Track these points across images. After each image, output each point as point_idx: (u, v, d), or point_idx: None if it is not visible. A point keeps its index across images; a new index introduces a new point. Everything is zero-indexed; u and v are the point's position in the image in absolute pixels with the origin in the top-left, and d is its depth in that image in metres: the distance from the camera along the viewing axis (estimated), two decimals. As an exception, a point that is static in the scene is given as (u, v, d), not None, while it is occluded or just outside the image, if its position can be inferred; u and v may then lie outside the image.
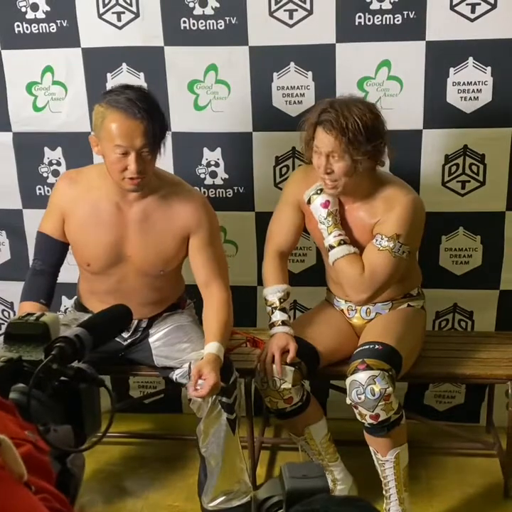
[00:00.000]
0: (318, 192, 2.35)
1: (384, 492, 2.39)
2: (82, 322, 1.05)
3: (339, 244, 2.33)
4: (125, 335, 2.48)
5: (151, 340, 2.51)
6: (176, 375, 2.40)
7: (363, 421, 2.27)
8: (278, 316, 2.42)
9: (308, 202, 2.38)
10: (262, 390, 2.40)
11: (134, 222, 2.34)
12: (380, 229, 2.30)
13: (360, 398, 2.22)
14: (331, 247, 2.34)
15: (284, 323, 2.40)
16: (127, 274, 2.40)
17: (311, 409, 2.43)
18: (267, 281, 2.49)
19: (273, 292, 2.45)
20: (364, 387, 2.21)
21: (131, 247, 2.36)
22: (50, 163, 2.85)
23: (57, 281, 2.46)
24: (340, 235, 2.33)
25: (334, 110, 2.19)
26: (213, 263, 2.39)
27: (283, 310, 2.43)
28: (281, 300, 2.43)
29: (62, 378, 0.93)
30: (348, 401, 2.26)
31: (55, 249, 2.41)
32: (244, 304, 2.89)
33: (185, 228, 2.35)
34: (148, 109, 2.15)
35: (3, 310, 3.12)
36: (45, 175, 2.86)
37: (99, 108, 2.20)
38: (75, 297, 2.64)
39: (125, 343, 2.50)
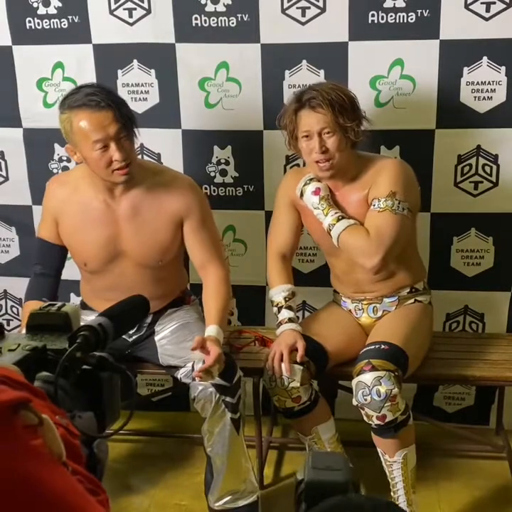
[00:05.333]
0: (308, 182, 2.38)
1: (392, 493, 2.37)
2: (103, 311, 1.07)
3: (338, 220, 2.32)
4: (130, 331, 2.46)
5: (157, 338, 2.49)
6: (180, 375, 2.39)
7: (370, 422, 2.25)
8: (285, 314, 2.41)
9: (301, 195, 2.39)
10: (270, 389, 2.38)
11: (124, 217, 2.34)
12: (374, 194, 2.32)
13: (366, 399, 2.21)
14: (331, 225, 2.33)
15: (291, 320, 2.40)
16: (126, 269, 2.39)
17: (319, 409, 2.42)
18: (272, 282, 2.50)
19: (278, 292, 2.45)
20: (370, 388, 2.20)
21: (125, 242, 2.36)
22: (60, 160, 2.85)
23: (66, 279, 2.45)
24: (336, 212, 2.34)
25: (314, 90, 2.26)
26: (208, 243, 2.40)
27: (289, 308, 2.42)
28: (287, 299, 2.43)
29: (85, 367, 0.94)
30: (355, 402, 2.25)
31: (52, 254, 2.43)
32: (253, 304, 2.88)
33: (176, 215, 2.35)
34: (109, 97, 2.17)
35: (12, 306, 3.11)
36: (55, 171, 2.85)
37: (62, 116, 2.19)
38: (81, 297, 2.64)
39: (130, 340, 2.49)
